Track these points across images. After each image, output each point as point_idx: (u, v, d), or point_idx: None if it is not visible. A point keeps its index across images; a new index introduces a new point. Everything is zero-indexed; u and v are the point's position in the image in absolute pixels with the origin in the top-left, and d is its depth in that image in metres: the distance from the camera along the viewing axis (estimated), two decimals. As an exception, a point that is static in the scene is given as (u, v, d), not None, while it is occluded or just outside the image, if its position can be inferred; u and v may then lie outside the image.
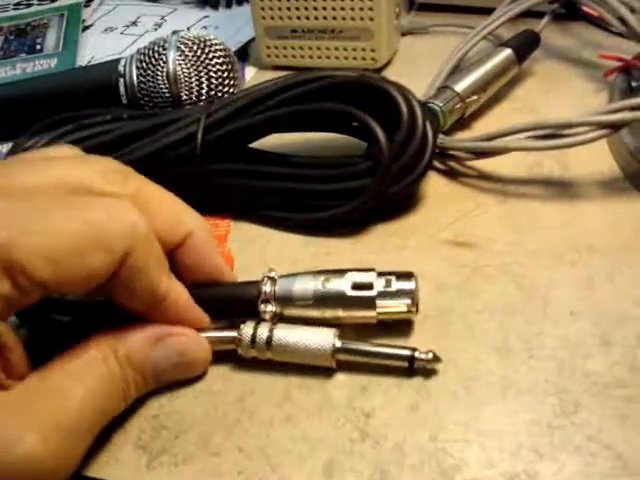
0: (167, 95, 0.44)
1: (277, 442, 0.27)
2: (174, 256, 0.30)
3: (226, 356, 0.31)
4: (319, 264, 0.34)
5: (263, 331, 0.29)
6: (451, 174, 0.41)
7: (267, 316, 0.30)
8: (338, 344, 0.29)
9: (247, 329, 0.30)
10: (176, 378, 0.30)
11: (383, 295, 0.30)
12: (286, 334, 0.29)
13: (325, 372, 0.30)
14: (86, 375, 0.26)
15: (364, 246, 0.36)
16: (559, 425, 0.27)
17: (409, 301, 0.30)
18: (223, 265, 0.32)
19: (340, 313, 0.30)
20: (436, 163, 0.42)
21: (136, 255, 0.26)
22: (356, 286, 0.30)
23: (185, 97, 0.44)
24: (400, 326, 0.31)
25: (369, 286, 0.30)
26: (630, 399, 0.27)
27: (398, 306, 0.30)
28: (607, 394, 0.28)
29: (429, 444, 0.27)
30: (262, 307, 0.30)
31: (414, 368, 0.29)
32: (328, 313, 0.30)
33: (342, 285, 0.30)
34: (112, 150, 0.37)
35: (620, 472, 0.25)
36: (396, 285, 0.30)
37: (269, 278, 0.31)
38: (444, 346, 0.30)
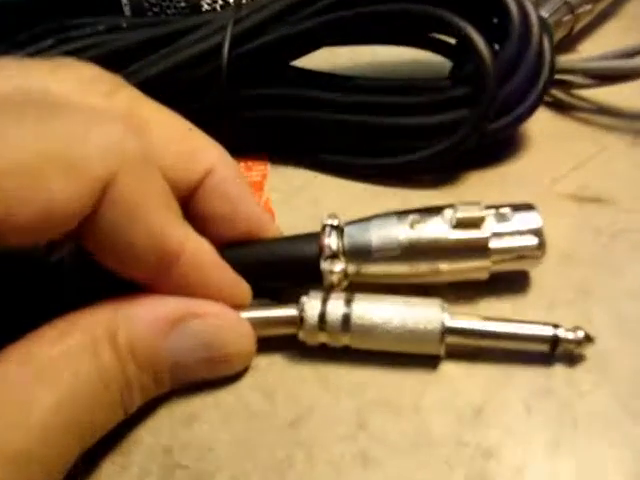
0: (182, 4, 0.34)
1: (351, 495, 0.18)
2: (190, 206, 0.22)
3: (274, 347, 0.22)
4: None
5: (337, 305, 0.21)
6: (564, 108, 0.31)
7: (335, 279, 0.22)
8: (449, 322, 0.20)
9: (312, 303, 0.21)
10: (202, 377, 0.21)
11: (499, 235, 0.21)
12: (371, 309, 0.20)
13: (417, 378, 0.20)
14: (63, 372, 0.17)
15: (454, 199, 0.26)
16: None
17: (536, 240, 0.21)
18: (261, 213, 0.23)
19: (440, 266, 0.22)
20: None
21: (123, 184, 0.17)
22: (460, 223, 0.21)
23: (207, 7, 0.34)
24: (519, 316, 0.21)
25: (478, 223, 0.21)
26: None
27: (522, 249, 0.21)
28: None
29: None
30: (327, 267, 0.21)
31: (555, 353, 0.20)
32: (423, 267, 0.22)
33: (440, 226, 0.21)
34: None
35: None
36: (515, 219, 0.21)
37: (333, 227, 0.22)
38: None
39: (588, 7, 0.33)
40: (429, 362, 0.21)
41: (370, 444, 0.19)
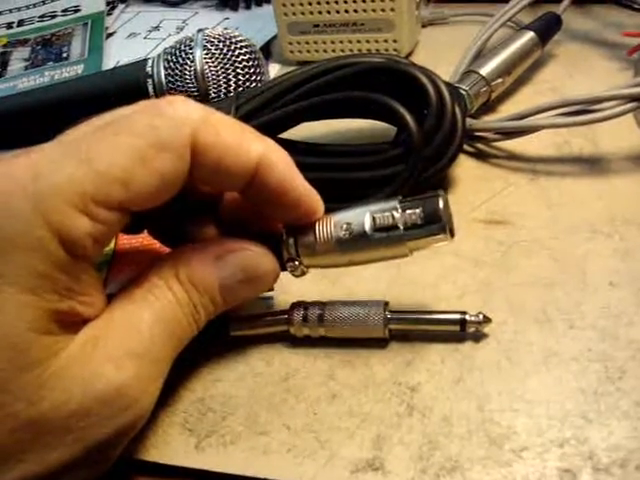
0: (195, 93, 0.44)
1: (324, 419, 0.28)
2: (250, 195, 0.27)
3: (271, 338, 0.31)
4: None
5: (314, 309, 0.30)
6: (481, 156, 0.41)
7: (297, 272, 0.29)
8: (389, 315, 0.30)
9: (298, 309, 0.30)
10: (246, 296, 0.28)
11: (411, 228, 0.27)
12: (337, 310, 0.30)
13: (368, 350, 0.30)
14: (151, 302, 0.25)
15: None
16: (605, 392, 0.27)
17: (440, 228, 0.27)
18: (312, 195, 0.28)
19: (370, 255, 0.28)
20: (465, 146, 0.42)
21: (203, 134, 0.24)
22: (379, 229, 0.27)
23: (213, 94, 0.44)
24: (440, 304, 0.31)
25: (393, 226, 0.27)
26: (676, 363, 0.27)
27: (429, 235, 0.27)
28: (652, 360, 0.28)
29: (476, 414, 0.27)
30: (289, 265, 0.29)
31: (465, 331, 0.29)
32: (357, 258, 0.28)
33: (365, 228, 0.27)
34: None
35: (671, 434, 0.25)
36: (422, 213, 0.27)
37: (288, 233, 0.29)
38: (485, 320, 0.30)
39: (500, 80, 0.43)
40: (368, 349, 0.30)
41: (337, 388, 0.29)
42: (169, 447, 0.28)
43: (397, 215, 0.27)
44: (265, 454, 0.27)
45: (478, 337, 0.30)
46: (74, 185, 0.22)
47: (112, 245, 0.38)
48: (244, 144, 0.25)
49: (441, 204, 0.27)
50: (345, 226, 0.28)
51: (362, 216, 0.28)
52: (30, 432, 0.22)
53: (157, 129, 0.23)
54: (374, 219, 0.27)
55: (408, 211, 0.27)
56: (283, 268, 0.29)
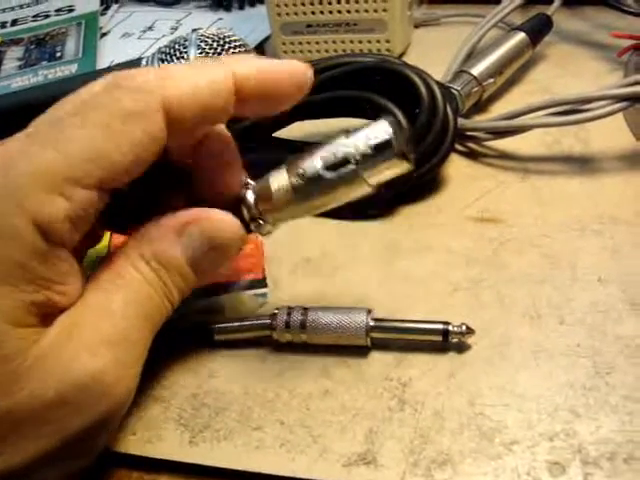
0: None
1: (317, 414, 0.28)
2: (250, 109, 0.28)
3: (263, 341, 0.31)
4: (350, 244, 0.35)
5: (296, 315, 0.30)
6: (472, 155, 0.42)
7: (255, 227, 0.28)
8: (372, 322, 0.30)
9: (281, 314, 0.30)
10: (217, 265, 0.28)
11: (362, 159, 0.26)
12: (320, 316, 0.30)
13: (361, 351, 0.30)
14: (121, 285, 0.25)
15: (392, 226, 0.37)
16: (594, 386, 0.27)
17: (391, 153, 0.25)
18: (289, 62, 0.28)
19: (330, 197, 0.27)
20: (457, 145, 0.42)
21: (171, 91, 0.24)
22: (330, 167, 0.26)
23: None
24: (431, 300, 0.32)
25: (344, 162, 0.26)
26: (664, 358, 0.28)
27: (382, 162, 0.26)
28: (640, 355, 0.28)
29: (467, 409, 0.27)
30: (246, 215, 0.28)
31: (448, 342, 0.29)
32: (317, 202, 0.27)
33: (317, 169, 0.26)
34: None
35: (658, 427, 0.25)
36: (369, 141, 0.25)
37: (246, 186, 0.29)
38: (476, 316, 0.30)
39: (492, 80, 0.44)
40: (361, 350, 0.30)
41: (329, 383, 0.29)
42: (164, 442, 0.28)
43: (345, 149, 0.26)
44: (259, 449, 0.27)
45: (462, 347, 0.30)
46: (45, 169, 0.22)
47: (106, 242, 0.38)
48: (213, 80, 0.25)
49: (387, 127, 0.25)
50: (299, 172, 0.27)
51: (313, 159, 0.27)
52: (6, 423, 0.22)
53: (119, 101, 0.23)
54: (324, 158, 0.26)
55: (356, 143, 0.26)
56: (249, 230, 0.28)
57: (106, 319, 0.24)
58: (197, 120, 0.25)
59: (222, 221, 0.27)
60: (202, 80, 0.25)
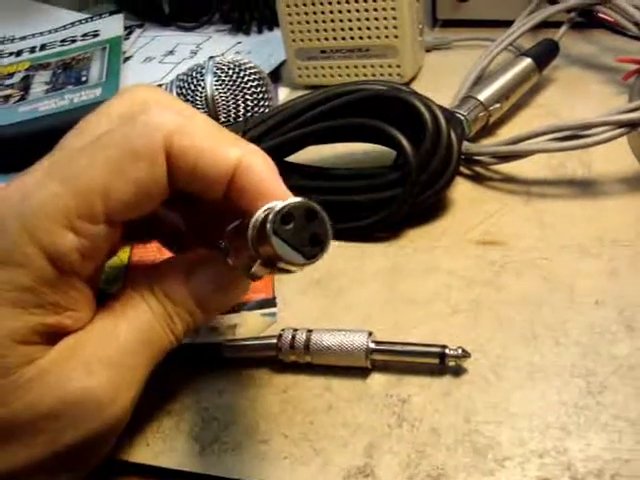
0: (206, 117, 0.47)
1: (320, 428, 0.29)
2: (229, 194, 0.26)
3: (269, 361, 0.33)
4: (356, 266, 0.36)
5: (300, 337, 0.32)
6: (477, 179, 0.43)
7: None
8: (372, 345, 0.31)
9: (286, 336, 0.32)
10: (224, 304, 0.30)
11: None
12: (322, 338, 0.31)
13: (363, 370, 0.32)
14: (128, 313, 0.26)
15: (397, 249, 0.38)
16: (585, 405, 0.28)
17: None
18: (286, 192, 0.26)
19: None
20: (463, 169, 0.44)
21: (178, 138, 0.25)
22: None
23: (223, 119, 0.47)
24: (432, 321, 0.33)
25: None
26: (654, 379, 0.29)
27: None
28: (633, 375, 0.29)
29: (463, 426, 0.28)
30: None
31: (445, 364, 0.30)
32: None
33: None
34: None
35: (645, 446, 0.26)
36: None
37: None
38: (474, 337, 0.32)
39: (498, 105, 0.45)
40: (362, 371, 0.31)
41: (332, 399, 0.31)
42: (175, 453, 0.29)
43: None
44: (264, 461, 0.28)
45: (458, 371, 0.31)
46: (57, 203, 0.23)
47: (126, 258, 0.40)
48: (221, 147, 0.25)
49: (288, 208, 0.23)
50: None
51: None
52: (1, 430, 0.24)
53: (130, 138, 0.24)
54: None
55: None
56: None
57: (108, 342, 0.25)
58: (187, 176, 0.25)
59: (229, 265, 0.28)
60: (210, 145, 0.25)
